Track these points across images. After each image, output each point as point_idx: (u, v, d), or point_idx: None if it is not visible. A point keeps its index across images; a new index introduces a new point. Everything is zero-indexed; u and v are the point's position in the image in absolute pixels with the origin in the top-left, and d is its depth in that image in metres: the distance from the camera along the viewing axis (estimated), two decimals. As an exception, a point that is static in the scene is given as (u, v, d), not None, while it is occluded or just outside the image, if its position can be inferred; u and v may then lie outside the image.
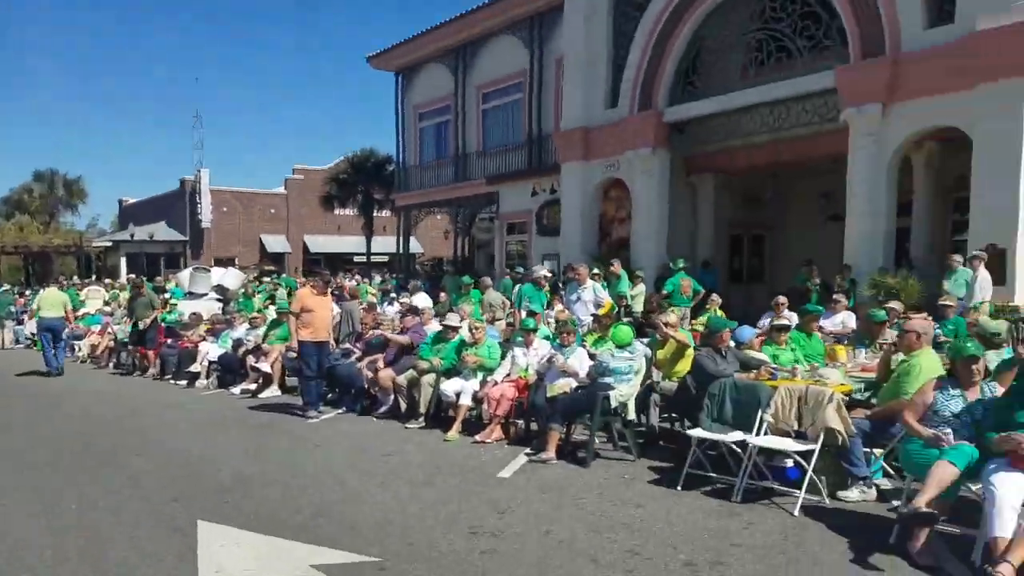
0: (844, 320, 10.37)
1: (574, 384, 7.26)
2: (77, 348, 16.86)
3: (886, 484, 5.56)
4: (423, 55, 25.65)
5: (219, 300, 17.24)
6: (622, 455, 6.89)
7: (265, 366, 11.04)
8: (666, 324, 7.57)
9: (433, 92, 25.92)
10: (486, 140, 24.23)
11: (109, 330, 16.20)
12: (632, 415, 6.78)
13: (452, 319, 8.99)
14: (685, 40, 16.59)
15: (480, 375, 8.18)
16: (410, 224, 26.90)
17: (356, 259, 36.48)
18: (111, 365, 15.30)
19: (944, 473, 4.16)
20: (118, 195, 64.05)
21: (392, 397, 9.07)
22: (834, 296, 10.84)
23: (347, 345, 10.74)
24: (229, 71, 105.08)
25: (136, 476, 6.57)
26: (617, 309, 11.41)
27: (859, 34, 13.42)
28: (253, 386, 11.14)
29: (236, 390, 11.30)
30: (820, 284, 14.04)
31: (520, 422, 7.73)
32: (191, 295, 18.14)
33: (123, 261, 38.53)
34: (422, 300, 13.07)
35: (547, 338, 8.48)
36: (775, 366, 6.50)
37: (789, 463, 5.85)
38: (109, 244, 40.38)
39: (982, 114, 11.76)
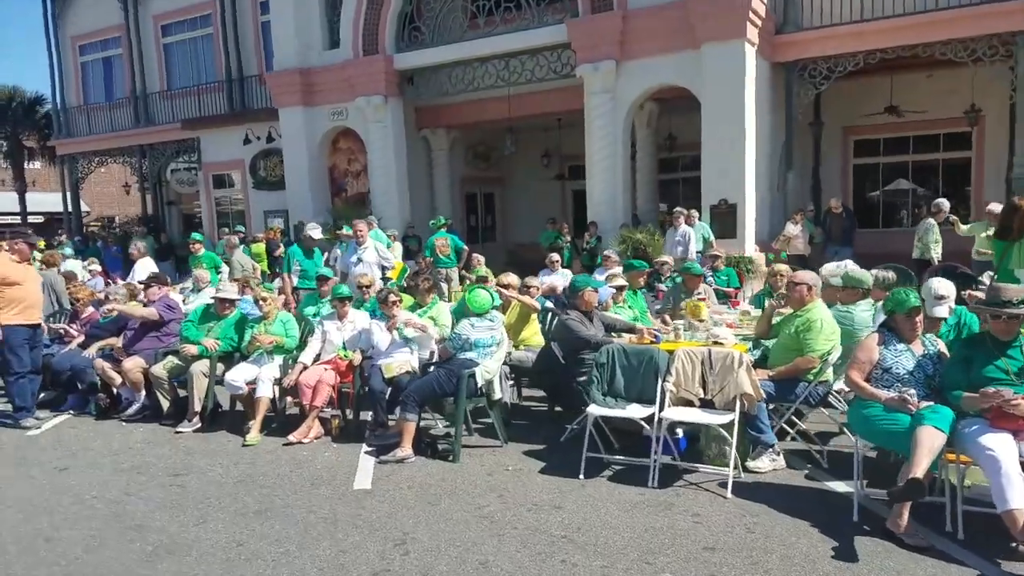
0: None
1: (414, 362, 5.94)
2: None
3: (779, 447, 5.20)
4: (77, -27, 20.93)
5: None
6: (482, 441, 5.74)
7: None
8: (506, 286, 6.54)
9: (96, 21, 21.37)
10: (171, 79, 20.62)
11: None
12: (499, 394, 5.65)
13: (228, 290, 6.97)
14: (404, -21, 15.29)
15: (277, 358, 6.41)
16: (77, 176, 22.06)
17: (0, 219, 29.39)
18: None
19: (934, 440, 3.74)
20: None
21: (143, 394, 6.87)
22: (605, 252, 10.64)
23: (62, 326, 8.02)
24: None
25: None
26: (408, 271, 10.06)
27: (586, -14, 13.28)
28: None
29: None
30: (570, 242, 14.05)
31: (338, 412, 6.19)
32: None
33: None
34: (150, 266, 10.35)
35: (358, 306, 6.93)
36: (657, 328, 5.83)
37: (679, 433, 5.26)
38: None
39: (709, 75, 12.35)
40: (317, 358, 6.38)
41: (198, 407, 6.45)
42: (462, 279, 11.70)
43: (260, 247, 13.98)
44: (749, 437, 4.98)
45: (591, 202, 13.93)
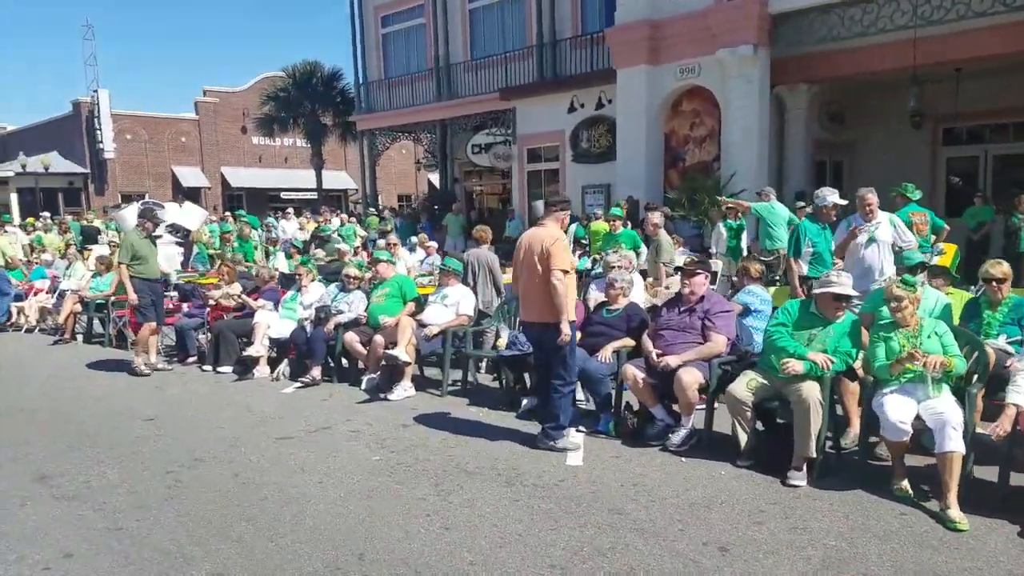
0: None
1: None
2: (16, 312, 11.58)
3: None
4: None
5: (178, 244, 11.92)
6: None
7: (402, 352, 6.41)
8: None
9: (401, -11, 20.50)
10: (475, 48, 19.27)
11: (70, 289, 11.15)
12: None
13: (844, 283, 4.61)
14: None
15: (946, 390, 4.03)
16: (376, 152, 21.55)
17: (284, 195, 30.40)
18: (79, 339, 10.43)
19: None
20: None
21: (692, 416, 4.93)
22: None
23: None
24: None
25: None
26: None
27: None
28: (406, 390, 6.59)
29: (398, 394, 6.53)
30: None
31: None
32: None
33: (14, 199, 30.03)
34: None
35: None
36: None
37: None
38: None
39: None
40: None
41: (812, 452, 4.29)
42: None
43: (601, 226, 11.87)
44: None
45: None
